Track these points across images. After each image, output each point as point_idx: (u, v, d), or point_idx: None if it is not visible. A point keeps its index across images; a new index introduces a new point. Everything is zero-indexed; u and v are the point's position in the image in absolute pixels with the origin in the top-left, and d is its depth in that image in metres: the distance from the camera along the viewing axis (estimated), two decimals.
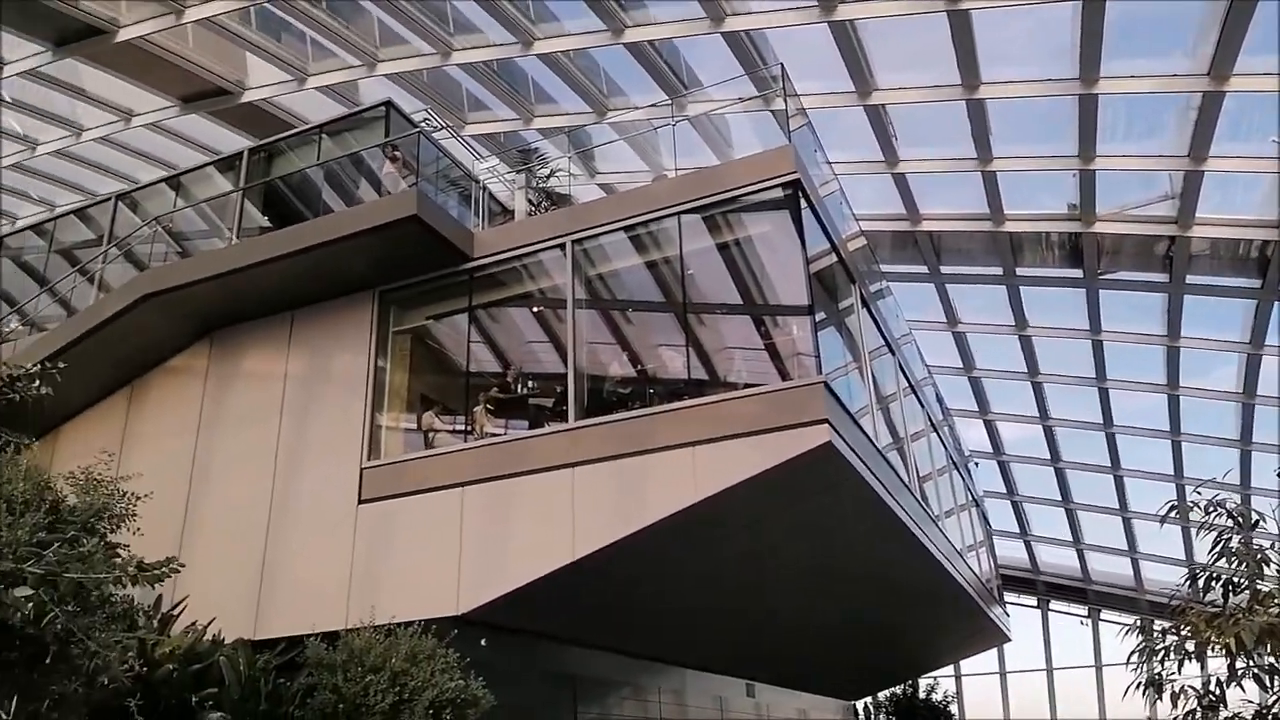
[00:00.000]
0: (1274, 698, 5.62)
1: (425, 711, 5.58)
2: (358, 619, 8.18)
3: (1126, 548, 27.96)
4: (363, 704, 5.50)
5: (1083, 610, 31.77)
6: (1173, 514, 7.67)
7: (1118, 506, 26.08)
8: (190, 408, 12.52)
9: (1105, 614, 30.30)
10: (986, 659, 32.33)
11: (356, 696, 5.48)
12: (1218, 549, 6.51)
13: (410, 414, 12.24)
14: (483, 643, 9.57)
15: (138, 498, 5.20)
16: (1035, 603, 32.86)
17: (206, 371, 12.71)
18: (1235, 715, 5.88)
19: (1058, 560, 31.91)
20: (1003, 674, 33.25)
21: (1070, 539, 29.38)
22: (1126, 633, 7.74)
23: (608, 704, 14.22)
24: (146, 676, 5.24)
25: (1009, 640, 28.05)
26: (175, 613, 8.25)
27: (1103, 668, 30.74)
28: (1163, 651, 6.27)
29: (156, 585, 4.85)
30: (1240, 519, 6.60)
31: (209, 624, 8.43)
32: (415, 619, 8.62)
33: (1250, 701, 5.90)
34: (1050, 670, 32.32)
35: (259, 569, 10.99)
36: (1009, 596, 30.67)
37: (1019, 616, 31.31)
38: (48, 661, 4.03)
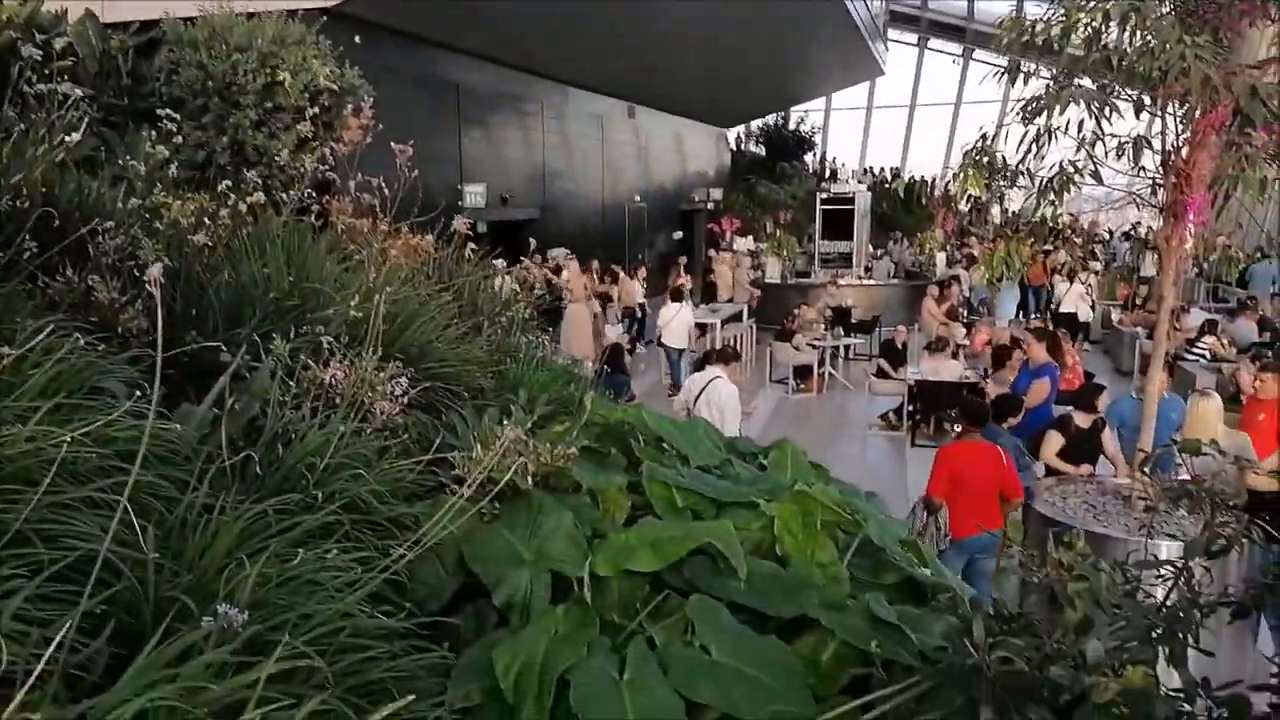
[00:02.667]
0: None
1: (300, 94, 5.47)
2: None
3: None
4: (233, 83, 5.31)
5: (958, 49, 32.66)
6: None
7: None
8: None
9: (978, 53, 31.28)
10: (856, 95, 33.82)
11: (226, 74, 5.27)
12: None
13: None
14: (356, 39, 9.20)
15: None
16: (915, 40, 33.46)
17: None
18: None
19: None
20: (869, 109, 35.18)
21: None
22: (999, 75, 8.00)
23: (491, 116, 14.48)
24: None
25: (882, 74, 29.09)
26: None
27: (961, 104, 32.79)
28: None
29: None
30: None
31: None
32: (276, 7, 8.07)
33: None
34: (913, 107, 34.31)
35: None
36: (891, 33, 31.00)
37: (895, 52, 32.06)
38: None
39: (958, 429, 7.55)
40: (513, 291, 4.39)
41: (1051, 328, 14.17)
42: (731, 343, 11.09)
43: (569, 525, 2.35)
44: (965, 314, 15.22)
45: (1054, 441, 6.67)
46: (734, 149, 30.64)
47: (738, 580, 2.24)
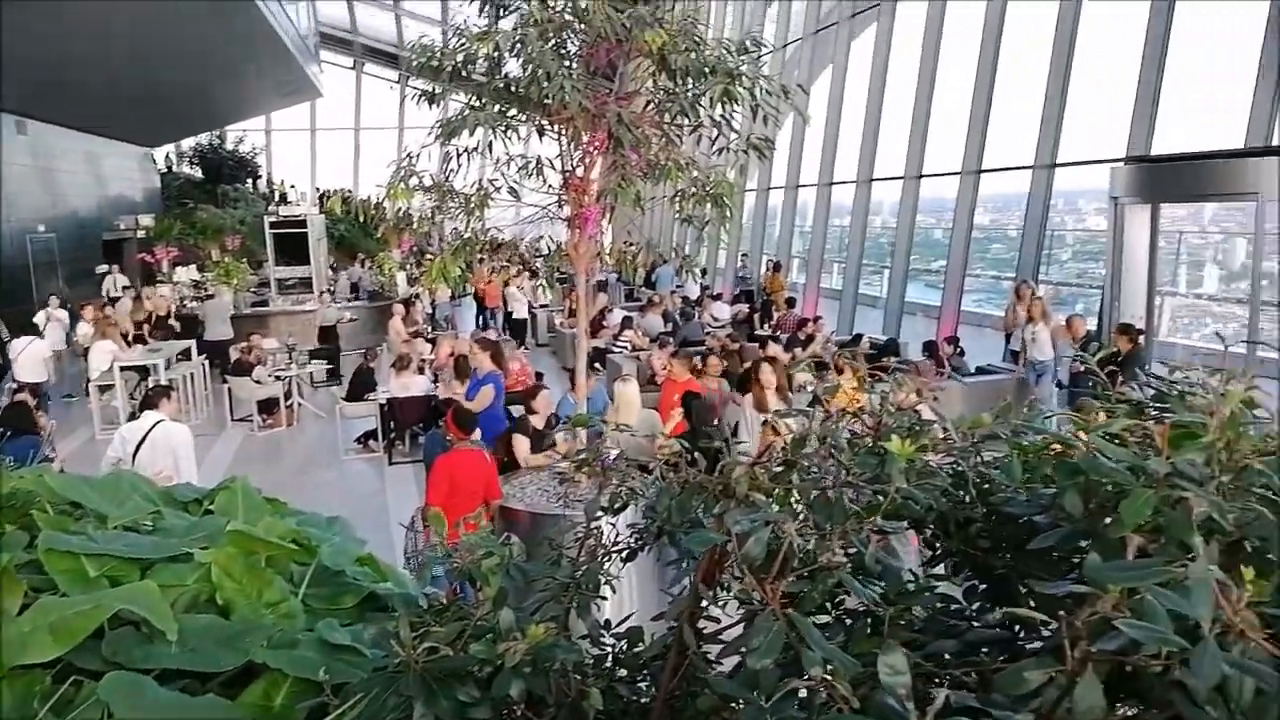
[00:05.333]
0: None
1: None
2: None
3: (440, 18, 29.51)
4: None
5: (394, 74, 33.55)
6: None
7: None
8: None
9: (414, 81, 32.46)
10: (299, 116, 32.85)
11: None
12: None
13: None
14: None
15: None
16: (351, 64, 33.57)
17: None
18: None
19: (376, 23, 32.47)
20: (313, 131, 34.41)
21: (390, 1, 29.79)
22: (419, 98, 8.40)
23: None
24: None
25: (320, 95, 28.64)
26: None
27: (404, 129, 33.77)
28: None
29: None
30: None
31: None
32: None
33: None
34: (358, 129, 34.41)
35: None
36: (327, 55, 30.68)
37: (334, 76, 31.84)
38: None
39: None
40: None
41: (508, 335, 15.33)
42: (177, 383, 9.99)
43: None
44: (430, 330, 15.72)
45: (523, 443, 7.19)
46: (165, 170, 27.60)
47: (168, 643, 1.99)
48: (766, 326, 15.82)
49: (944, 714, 0.86)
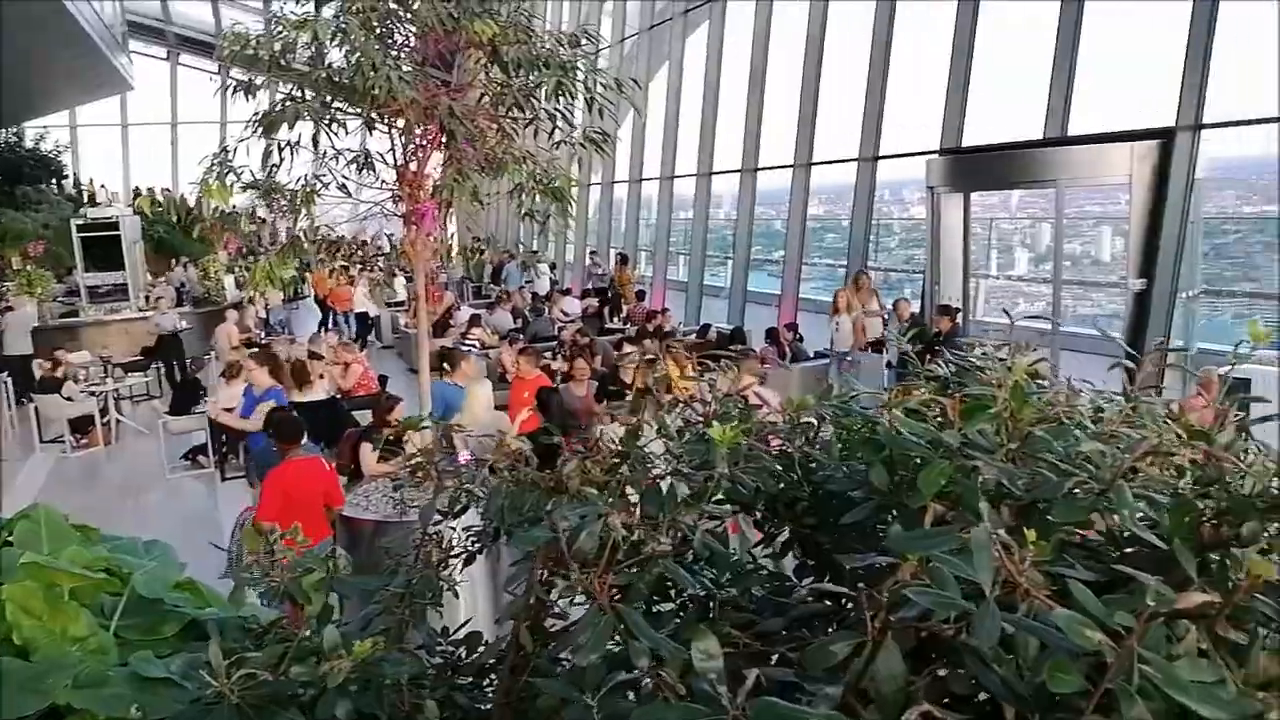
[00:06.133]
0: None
1: None
2: None
3: (262, 6, 27.99)
4: None
5: (213, 67, 31.58)
6: None
7: None
8: None
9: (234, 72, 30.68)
10: (108, 111, 30.44)
11: None
12: None
13: None
14: None
15: None
16: (165, 55, 31.39)
17: None
18: None
19: (192, 11, 30.51)
20: (125, 126, 31.97)
21: None
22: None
23: None
24: None
25: (131, 88, 26.66)
26: None
27: (227, 124, 31.86)
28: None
29: None
30: None
31: None
32: None
33: None
34: (175, 124, 32.22)
35: None
36: (138, 46, 28.58)
37: (147, 68, 29.69)
38: None
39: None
40: None
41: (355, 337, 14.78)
42: None
43: None
44: (264, 335, 14.91)
45: (371, 452, 6.90)
46: None
47: None
48: (616, 319, 15.93)
49: (759, 692, 0.87)
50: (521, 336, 12.11)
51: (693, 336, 12.88)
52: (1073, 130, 10.28)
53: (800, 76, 14.50)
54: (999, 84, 12.49)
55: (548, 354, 10.92)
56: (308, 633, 1.48)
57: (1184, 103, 8.91)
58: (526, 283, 18.83)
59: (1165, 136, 9.02)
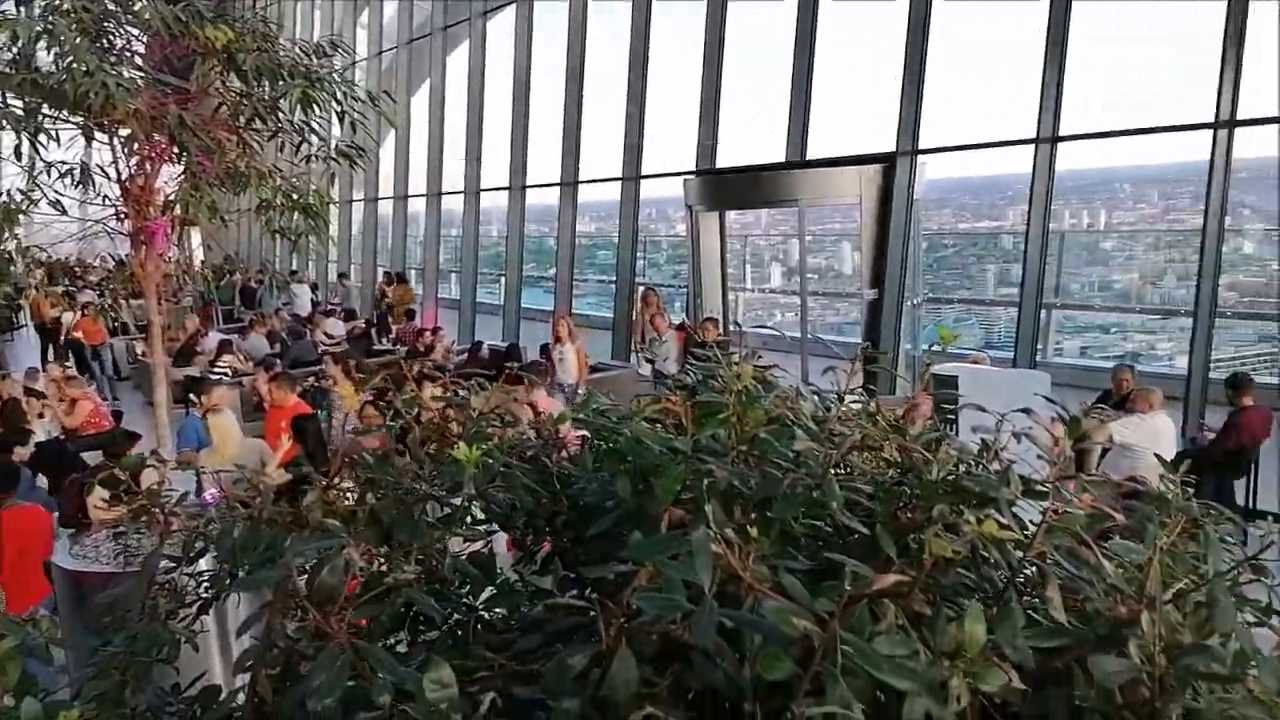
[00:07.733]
0: None
1: None
2: None
3: None
4: None
5: None
6: None
7: None
8: None
9: None
10: None
11: None
12: None
13: None
14: None
15: None
16: None
17: None
18: None
19: None
20: None
21: None
22: None
23: None
24: None
25: None
26: None
27: None
28: None
29: None
30: None
31: None
32: None
33: None
34: None
35: None
36: None
37: None
38: None
39: None
40: None
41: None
42: None
43: None
44: None
45: (96, 492, 6.19)
46: None
47: None
48: (385, 340, 15.35)
49: (498, 714, 0.85)
50: (279, 362, 11.36)
51: (464, 356, 12.68)
52: (812, 154, 11.17)
53: (563, 96, 14.74)
54: (750, 109, 13.33)
55: (310, 379, 10.33)
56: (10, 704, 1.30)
57: (902, 130, 9.94)
58: (284, 304, 17.73)
59: (887, 161, 10.02)
